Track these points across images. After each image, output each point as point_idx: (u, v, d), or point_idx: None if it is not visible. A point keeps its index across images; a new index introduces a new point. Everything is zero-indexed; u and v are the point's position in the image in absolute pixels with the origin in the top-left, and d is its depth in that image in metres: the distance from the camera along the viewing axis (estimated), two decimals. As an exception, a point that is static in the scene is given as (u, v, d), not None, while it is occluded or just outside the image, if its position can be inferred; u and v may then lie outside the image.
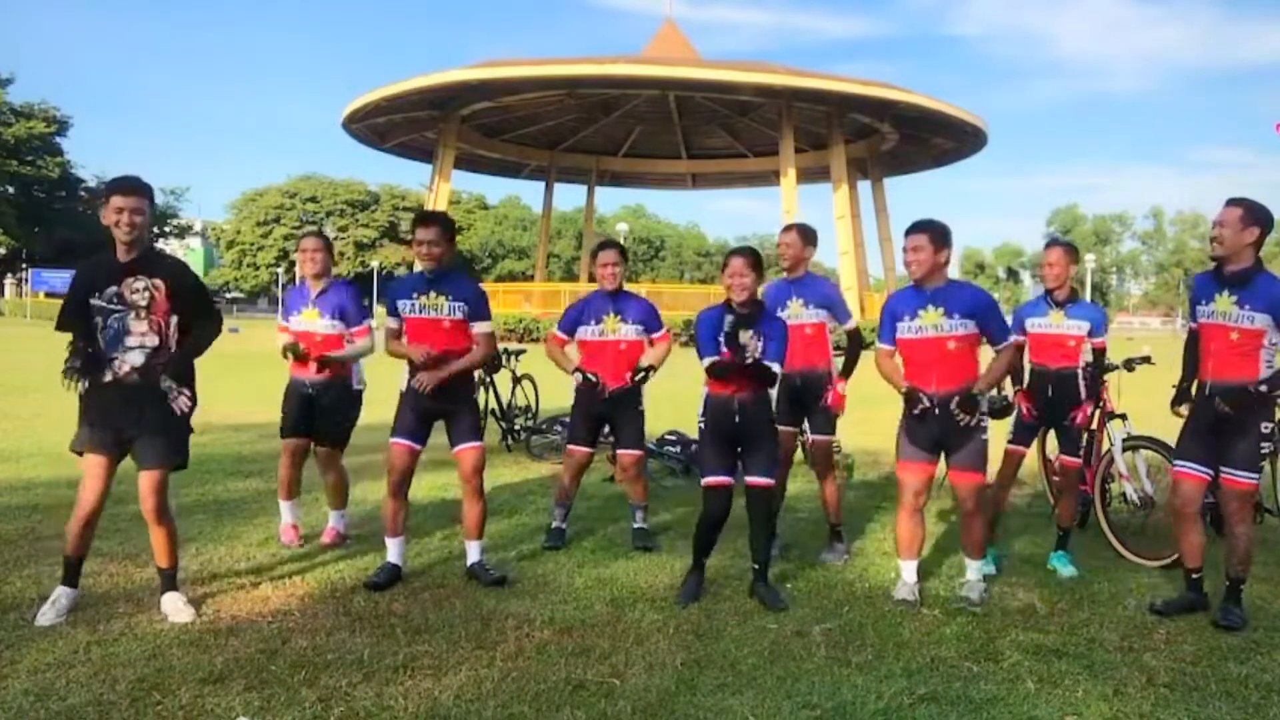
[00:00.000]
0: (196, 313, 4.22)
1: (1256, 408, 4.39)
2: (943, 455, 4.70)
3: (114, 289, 4.04)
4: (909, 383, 4.63)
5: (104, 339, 4.07)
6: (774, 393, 4.74)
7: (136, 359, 4.05)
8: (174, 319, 4.11)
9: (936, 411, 4.55)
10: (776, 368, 4.58)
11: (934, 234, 4.57)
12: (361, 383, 5.62)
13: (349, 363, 5.52)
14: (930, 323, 4.58)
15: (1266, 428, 4.40)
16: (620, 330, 5.70)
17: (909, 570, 4.75)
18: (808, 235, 5.63)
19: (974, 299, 4.61)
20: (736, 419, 4.64)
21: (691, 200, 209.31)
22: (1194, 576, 4.59)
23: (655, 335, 5.80)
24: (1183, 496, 4.58)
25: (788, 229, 5.67)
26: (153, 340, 4.06)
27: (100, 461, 4.07)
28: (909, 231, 4.64)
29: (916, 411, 4.55)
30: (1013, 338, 4.64)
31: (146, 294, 4.03)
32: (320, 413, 5.47)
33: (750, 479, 4.67)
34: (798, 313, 5.44)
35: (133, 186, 4.03)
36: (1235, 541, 4.44)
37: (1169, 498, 4.82)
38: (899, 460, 4.78)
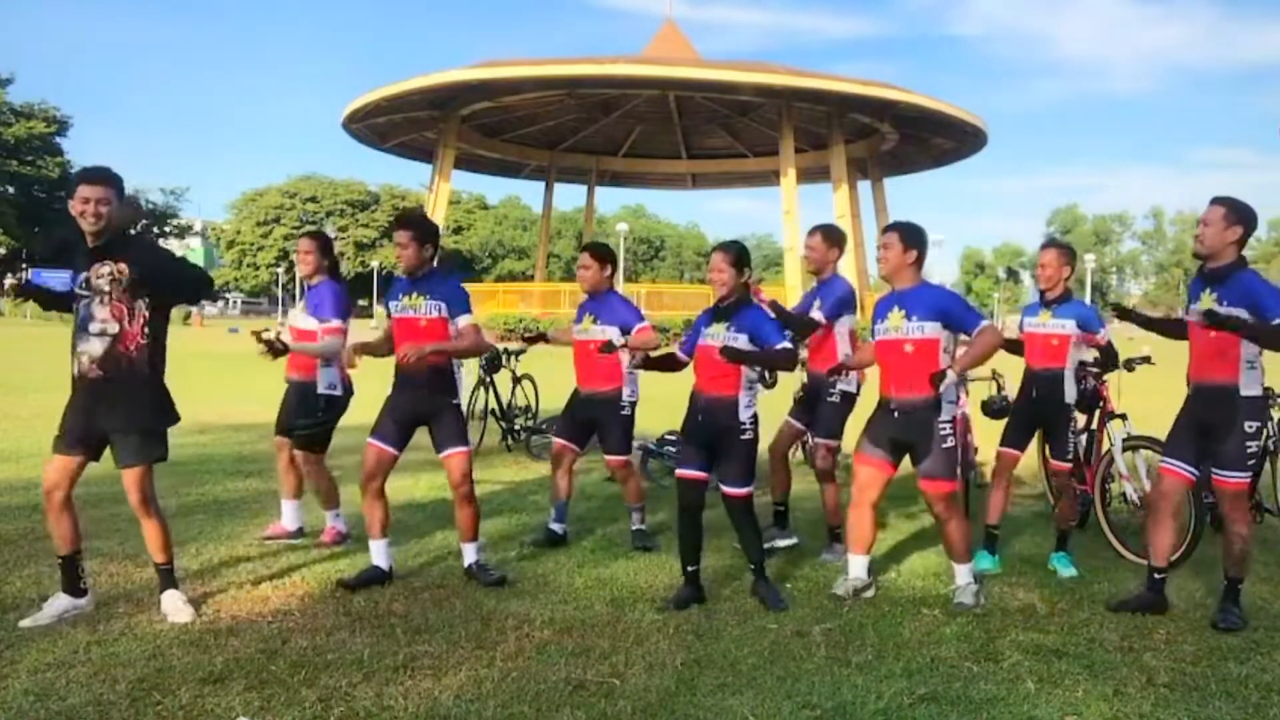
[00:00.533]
0: (177, 283, 4.23)
1: (1243, 407, 4.38)
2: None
3: (84, 275, 4.08)
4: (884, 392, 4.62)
5: (75, 328, 4.10)
6: (747, 398, 4.58)
7: (96, 348, 4.04)
8: (140, 303, 4.06)
9: (895, 415, 4.56)
10: (737, 343, 4.47)
11: (903, 233, 4.61)
12: (333, 386, 5.40)
13: (316, 358, 5.34)
14: (893, 325, 4.58)
15: (1251, 427, 4.39)
16: (590, 331, 5.61)
17: (856, 565, 4.74)
18: (832, 237, 5.48)
19: (936, 299, 4.56)
20: (700, 417, 4.64)
21: (691, 200, 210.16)
22: (1156, 575, 4.58)
23: (637, 326, 5.54)
24: (1162, 491, 4.60)
25: (812, 232, 5.51)
26: (113, 327, 4.05)
27: (63, 459, 4.11)
28: (883, 231, 4.70)
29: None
30: (985, 321, 4.50)
31: (109, 278, 4.04)
32: (289, 413, 5.50)
33: (721, 486, 4.67)
34: (815, 317, 5.39)
35: (99, 177, 4.04)
36: (1231, 541, 4.43)
37: (1150, 490, 4.81)
38: (854, 453, 4.81)
